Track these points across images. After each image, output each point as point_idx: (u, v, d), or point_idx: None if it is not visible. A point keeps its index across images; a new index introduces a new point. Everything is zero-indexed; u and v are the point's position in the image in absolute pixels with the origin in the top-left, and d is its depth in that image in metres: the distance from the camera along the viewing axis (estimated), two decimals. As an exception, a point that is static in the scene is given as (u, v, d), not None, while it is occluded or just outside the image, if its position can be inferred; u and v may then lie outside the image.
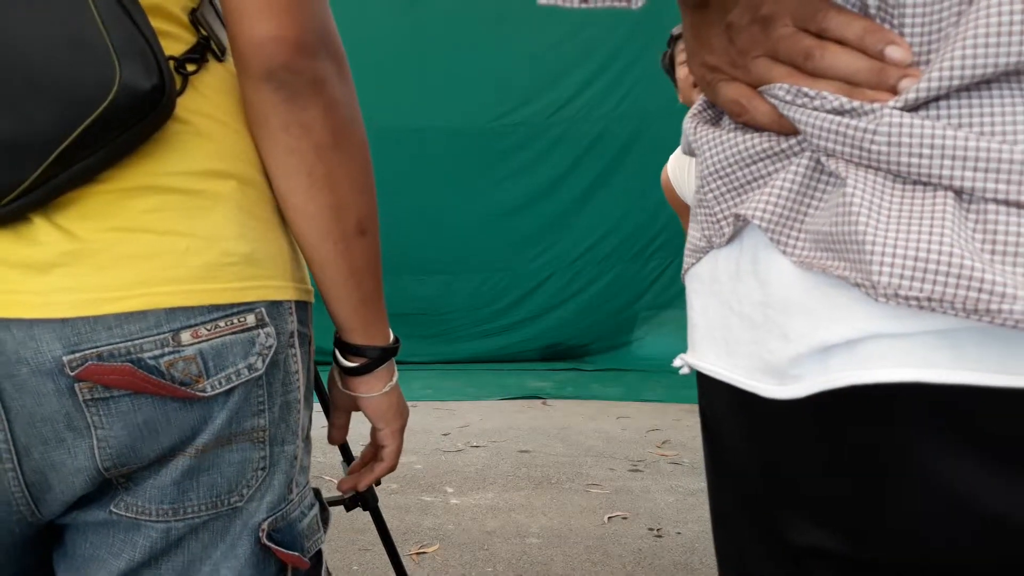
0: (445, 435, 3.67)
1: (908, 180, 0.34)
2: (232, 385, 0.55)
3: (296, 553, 0.61)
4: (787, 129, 0.38)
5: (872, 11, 0.35)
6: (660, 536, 2.41)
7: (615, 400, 4.49)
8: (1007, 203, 0.31)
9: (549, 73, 5.42)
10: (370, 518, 1.66)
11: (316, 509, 0.66)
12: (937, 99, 0.33)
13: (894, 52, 0.34)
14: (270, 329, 0.57)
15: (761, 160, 0.39)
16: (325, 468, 3.06)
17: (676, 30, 1.95)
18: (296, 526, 0.62)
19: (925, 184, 0.33)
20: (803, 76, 0.37)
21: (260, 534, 0.59)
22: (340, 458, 1.66)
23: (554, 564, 2.21)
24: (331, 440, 0.76)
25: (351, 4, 5.29)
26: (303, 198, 0.58)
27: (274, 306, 0.58)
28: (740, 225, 0.41)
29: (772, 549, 0.41)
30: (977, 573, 0.34)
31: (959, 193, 0.32)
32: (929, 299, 0.31)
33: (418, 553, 2.27)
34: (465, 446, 3.47)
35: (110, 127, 0.48)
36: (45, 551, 0.60)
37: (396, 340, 0.70)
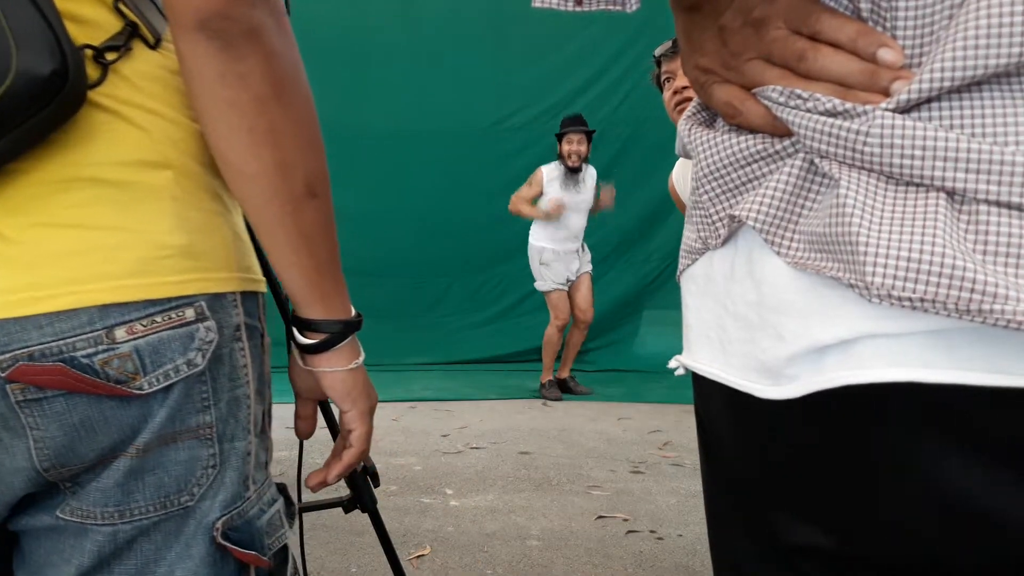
0: (444, 436, 3.67)
1: (901, 181, 0.34)
2: (171, 381, 0.54)
3: (253, 552, 0.59)
4: (780, 131, 0.38)
5: (865, 14, 0.36)
6: (661, 538, 2.41)
7: (616, 401, 4.49)
8: (998, 204, 0.32)
9: (548, 77, 5.44)
10: (369, 520, 1.66)
11: (279, 505, 0.65)
12: (929, 101, 0.33)
13: (886, 54, 0.34)
14: (211, 323, 0.56)
15: (755, 162, 0.39)
16: (325, 470, 3.05)
17: (659, 50, 1.98)
18: (255, 523, 0.61)
19: (917, 185, 0.33)
20: (796, 78, 0.37)
21: (215, 533, 0.57)
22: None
23: (554, 566, 2.21)
24: (298, 433, 0.73)
25: (351, 8, 5.32)
26: (245, 156, 0.55)
27: (216, 299, 0.56)
28: (735, 226, 0.41)
29: (765, 548, 0.41)
30: (967, 571, 0.34)
31: (951, 194, 0.33)
32: (922, 300, 0.32)
33: (418, 556, 2.27)
34: (465, 447, 3.47)
35: (11, 113, 0.47)
36: (6, 561, 0.60)
37: (359, 315, 0.66)
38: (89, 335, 0.51)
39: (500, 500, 2.76)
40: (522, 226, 4.71)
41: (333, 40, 5.04)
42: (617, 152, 5.37)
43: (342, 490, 2.15)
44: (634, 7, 0.43)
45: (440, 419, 4.05)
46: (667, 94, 1.94)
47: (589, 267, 4.59)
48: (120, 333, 0.52)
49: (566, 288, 4.53)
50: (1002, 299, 0.30)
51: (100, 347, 0.51)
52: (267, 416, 0.65)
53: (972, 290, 0.31)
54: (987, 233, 0.32)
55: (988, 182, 0.31)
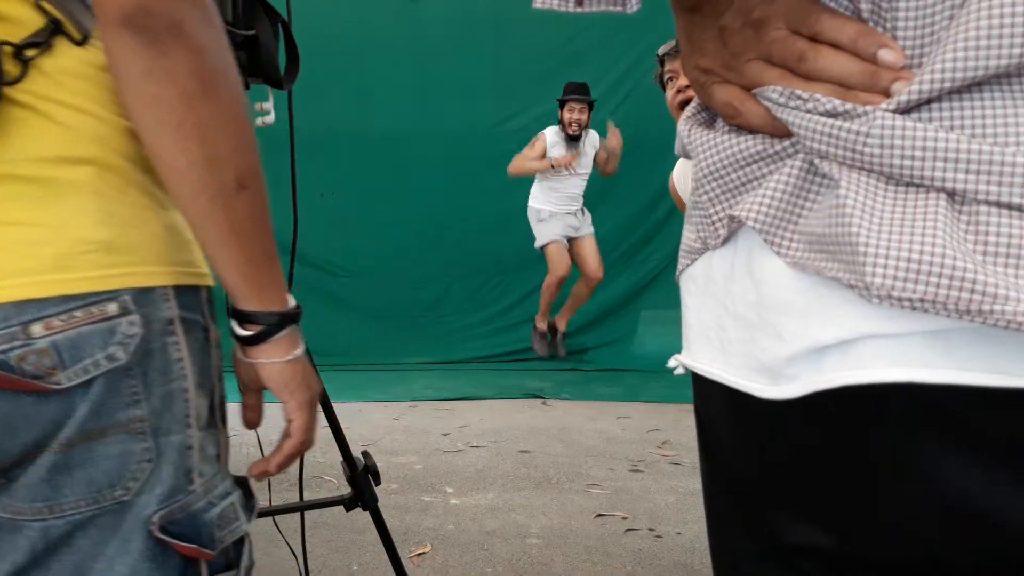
0: (445, 435, 3.67)
1: (901, 182, 0.34)
2: (91, 376, 0.54)
3: (194, 545, 0.59)
4: (780, 131, 0.38)
5: (865, 14, 0.36)
6: (660, 536, 2.42)
7: (615, 400, 4.49)
8: (999, 205, 0.32)
9: (549, 78, 5.44)
10: (370, 518, 1.66)
11: (233, 498, 0.65)
12: (929, 101, 0.33)
13: (887, 55, 0.34)
14: (135, 317, 0.55)
15: (755, 162, 0.39)
16: (325, 468, 3.06)
17: (662, 49, 1.98)
18: (201, 517, 0.61)
19: (917, 186, 0.33)
20: (796, 79, 0.37)
21: (151, 527, 0.57)
22: (340, 458, 1.66)
23: (554, 564, 2.21)
24: (246, 423, 0.73)
25: (352, 10, 5.32)
26: (173, 152, 0.55)
27: (144, 293, 0.56)
28: (735, 226, 0.41)
29: (764, 548, 0.41)
30: (966, 571, 0.34)
31: (951, 195, 0.33)
32: (922, 300, 0.32)
33: (418, 555, 2.27)
34: (465, 446, 3.47)
35: None
36: None
37: (297, 307, 0.67)
38: (5, 331, 0.51)
39: (500, 498, 2.76)
40: (524, 225, 4.72)
41: (335, 43, 5.04)
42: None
43: (343, 488, 2.16)
44: (635, 8, 0.43)
45: (440, 418, 4.05)
46: (670, 93, 1.95)
47: (591, 228, 4.60)
48: (37, 329, 0.52)
49: (564, 242, 4.51)
50: (1002, 299, 0.30)
51: (16, 343, 0.51)
52: (217, 410, 0.65)
53: (972, 290, 0.31)
54: (987, 234, 0.32)
55: (988, 183, 0.31)
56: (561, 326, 4.72)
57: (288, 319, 0.65)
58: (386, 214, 5.55)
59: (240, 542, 0.65)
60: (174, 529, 0.58)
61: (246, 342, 0.65)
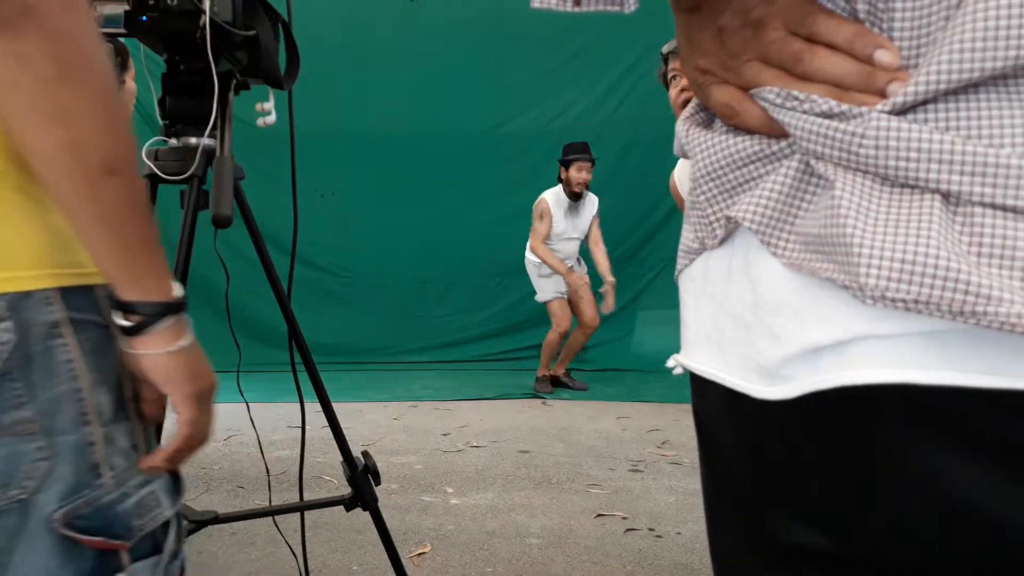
0: (445, 435, 3.67)
1: (896, 183, 0.34)
2: None
3: (100, 538, 0.60)
4: (777, 132, 0.38)
5: (862, 15, 0.36)
6: (660, 536, 2.42)
7: (615, 400, 4.49)
8: (993, 206, 0.32)
9: (548, 79, 5.45)
10: (370, 518, 1.66)
11: (154, 486, 0.65)
12: (925, 103, 0.33)
13: (883, 56, 0.34)
14: (8, 324, 0.56)
15: (752, 163, 0.39)
16: (325, 468, 3.06)
17: (667, 48, 1.98)
18: (113, 509, 0.61)
19: (912, 187, 0.33)
20: (793, 79, 0.37)
21: (53, 524, 0.58)
22: (340, 458, 1.66)
23: (554, 564, 2.21)
24: (146, 417, 0.72)
25: (352, 10, 5.32)
26: (36, 137, 0.54)
27: (22, 298, 0.56)
28: (732, 227, 0.41)
29: (763, 548, 0.41)
30: (964, 572, 0.34)
31: (946, 196, 0.33)
32: (915, 301, 0.32)
33: (418, 555, 2.27)
34: (465, 446, 3.48)
35: None
36: None
37: (182, 297, 0.65)
38: None
39: (500, 498, 2.76)
40: (523, 226, 4.72)
41: (335, 43, 5.05)
42: (617, 153, 5.37)
43: (343, 488, 2.14)
44: (632, 8, 0.43)
45: (441, 418, 4.05)
46: (674, 92, 1.94)
47: (587, 278, 4.67)
48: None
49: (566, 296, 4.58)
50: (995, 301, 0.30)
51: None
52: (124, 404, 0.65)
53: (966, 292, 0.31)
54: (981, 235, 0.32)
55: (983, 184, 0.31)
56: (560, 371, 4.78)
57: (170, 309, 0.63)
58: (386, 214, 5.55)
59: (166, 526, 0.66)
60: (80, 524, 0.59)
61: (127, 332, 0.63)
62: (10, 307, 0.56)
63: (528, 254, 4.65)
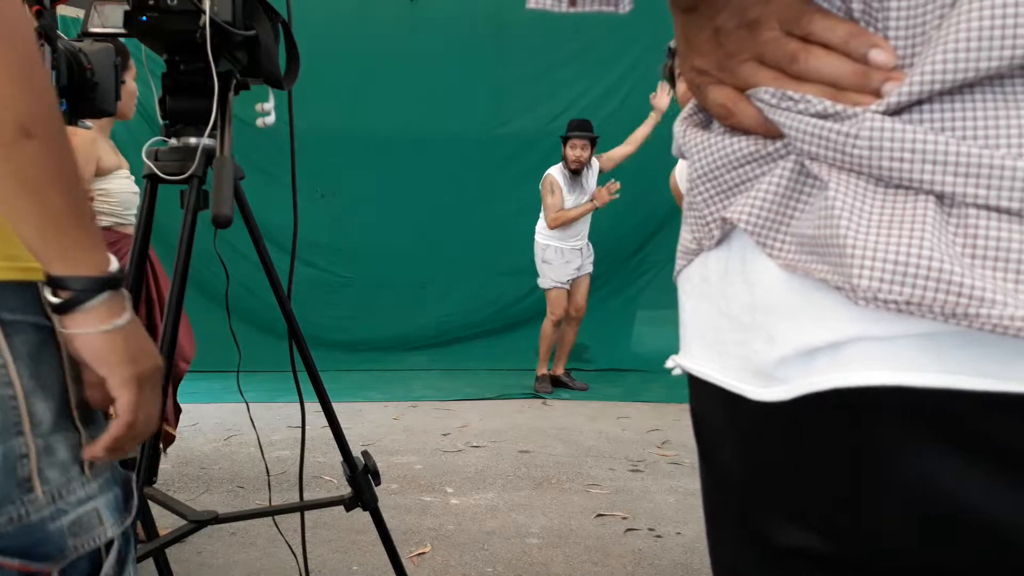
0: (445, 435, 3.67)
1: (890, 184, 0.34)
2: None
3: (18, 561, 0.55)
4: (773, 132, 0.38)
5: (857, 15, 0.36)
6: (660, 536, 2.42)
7: (615, 400, 4.49)
8: (987, 208, 0.31)
9: (548, 80, 5.45)
10: (370, 518, 1.66)
11: (96, 503, 0.60)
12: (919, 103, 0.33)
13: (878, 55, 0.34)
14: None
15: (748, 163, 0.39)
16: (325, 468, 3.06)
17: (674, 43, 1.98)
18: (44, 527, 0.56)
19: (907, 188, 0.33)
20: (788, 80, 0.37)
21: None
22: (340, 458, 1.66)
23: (554, 564, 2.21)
24: (90, 402, 0.67)
25: (352, 10, 5.32)
26: None
27: None
28: (728, 228, 0.41)
29: (759, 550, 0.41)
30: (959, 574, 0.34)
31: (940, 197, 0.33)
32: (908, 303, 0.32)
33: (418, 555, 2.27)
34: (465, 446, 3.47)
35: None
36: None
37: (118, 271, 0.60)
38: None
39: (500, 498, 2.76)
40: (523, 227, 4.73)
41: (335, 43, 5.04)
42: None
43: (343, 488, 2.14)
44: (627, 8, 0.43)
45: (440, 418, 4.05)
46: (681, 87, 1.94)
47: (590, 268, 4.71)
48: None
49: (566, 287, 4.59)
50: (989, 303, 0.30)
51: None
52: (75, 410, 0.60)
53: (959, 294, 0.31)
54: (976, 237, 0.32)
55: (977, 186, 0.31)
56: (560, 371, 4.80)
57: (105, 285, 0.58)
58: (386, 214, 5.55)
59: (109, 547, 0.61)
60: (0, 544, 0.54)
61: (56, 310, 0.58)
62: None
63: (537, 236, 4.64)
